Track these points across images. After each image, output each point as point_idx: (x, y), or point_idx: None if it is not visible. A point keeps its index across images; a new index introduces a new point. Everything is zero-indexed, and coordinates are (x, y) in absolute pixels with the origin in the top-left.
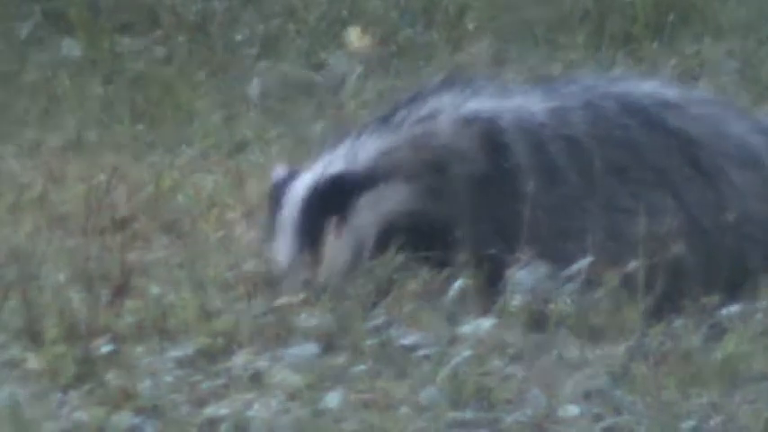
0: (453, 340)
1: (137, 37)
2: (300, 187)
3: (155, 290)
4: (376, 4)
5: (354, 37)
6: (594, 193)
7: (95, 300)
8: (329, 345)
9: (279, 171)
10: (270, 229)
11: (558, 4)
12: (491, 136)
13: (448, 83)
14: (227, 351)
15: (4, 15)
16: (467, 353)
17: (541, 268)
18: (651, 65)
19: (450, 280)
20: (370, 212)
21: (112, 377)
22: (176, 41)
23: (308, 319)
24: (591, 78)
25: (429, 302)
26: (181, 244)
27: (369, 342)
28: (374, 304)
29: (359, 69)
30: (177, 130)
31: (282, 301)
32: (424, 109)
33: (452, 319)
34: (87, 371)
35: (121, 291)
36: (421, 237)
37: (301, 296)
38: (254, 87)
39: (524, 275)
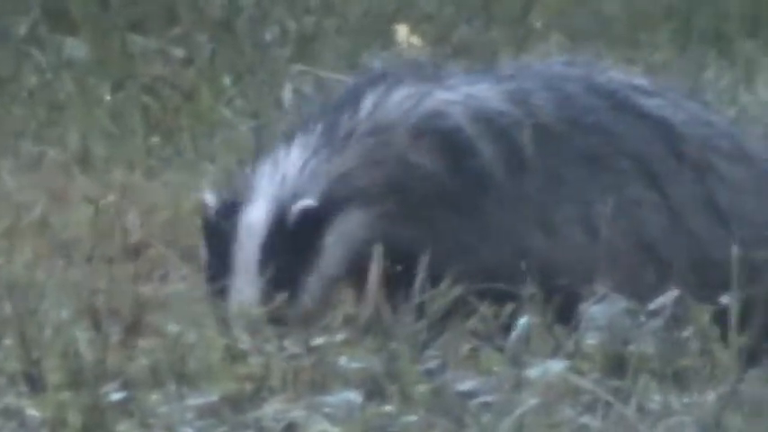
0: (518, 386)
1: (151, 36)
2: (258, 221)
3: (172, 328)
4: None
5: (403, 36)
6: (569, 183)
7: (104, 339)
8: (374, 391)
9: (210, 200)
10: (215, 268)
11: None
12: (449, 140)
13: (375, 78)
14: (257, 398)
15: None
16: (533, 400)
17: (619, 302)
18: (745, 66)
19: (513, 317)
20: (337, 247)
21: (124, 429)
22: (197, 41)
23: (350, 362)
24: (543, 63)
25: (490, 342)
26: (202, 275)
27: (420, 388)
28: (426, 345)
29: None
30: (198, 144)
31: (320, 340)
32: (367, 115)
33: (517, 361)
34: (96, 421)
35: (134, 329)
36: (392, 263)
37: (342, 336)
38: (286, 93)
39: (599, 311)
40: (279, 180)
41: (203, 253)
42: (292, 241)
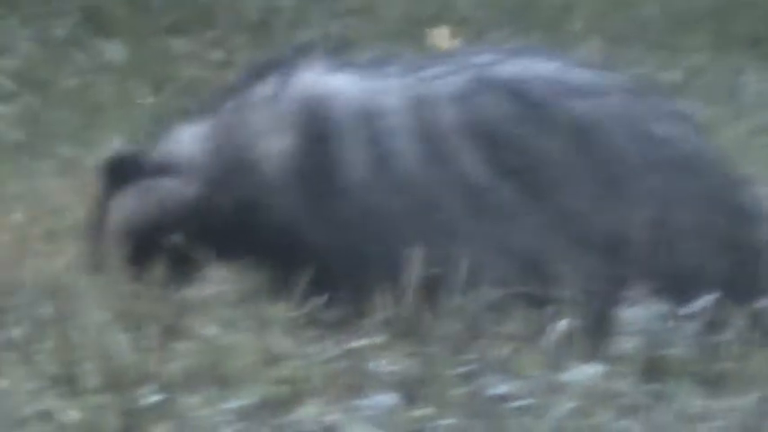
0: (555, 390)
1: (190, 38)
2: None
3: (210, 330)
4: (466, 1)
5: (441, 39)
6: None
7: (142, 342)
8: (412, 395)
9: (114, 151)
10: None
11: (678, 0)
12: (317, 134)
13: (281, 61)
14: (295, 401)
15: (39, 14)
16: (571, 404)
17: (657, 306)
18: None
19: (552, 320)
20: (141, 202)
21: (162, 431)
22: (235, 43)
23: (387, 365)
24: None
25: (527, 346)
26: (241, 277)
27: (457, 392)
28: (464, 348)
29: None
30: None
31: (359, 343)
32: (250, 94)
33: (554, 365)
34: (133, 424)
35: (172, 332)
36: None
37: (379, 338)
38: None
39: (637, 314)
40: (159, 149)
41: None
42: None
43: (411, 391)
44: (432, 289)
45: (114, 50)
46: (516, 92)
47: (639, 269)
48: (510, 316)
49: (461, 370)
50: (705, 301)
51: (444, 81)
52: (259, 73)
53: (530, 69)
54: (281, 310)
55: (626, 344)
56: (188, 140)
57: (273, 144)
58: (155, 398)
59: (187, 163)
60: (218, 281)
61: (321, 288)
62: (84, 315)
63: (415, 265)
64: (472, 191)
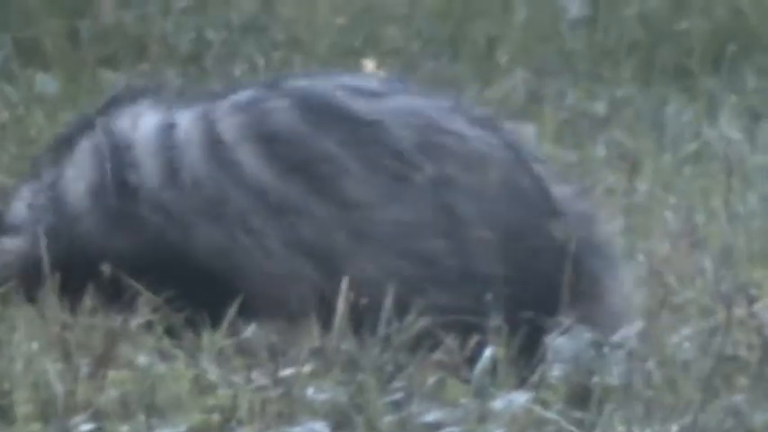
0: (483, 417)
1: (122, 71)
2: None
3: (141, 359)
4: (394, 33)
5: (370, 70)
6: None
7: (74, 371)
8: (341, 422)
9: None
10: None
11: (602, 33)
12: (116, 162)
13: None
14: (225, 429)
15: None
16: (500, 431)
17: (585, 334)
18: (708, 102)
19: (479, 348)
20: None
21: None
22: (167, 76)
23: (317, 393)
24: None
25: (455, 374)
26: (170, 306)
27: (387, 419)
28: (392, 376)
29: None
30: None
31: (288, 372)
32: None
33: (482, 392)
34: None
35: (104, 361)
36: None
37: (309, 367)
38: None
39: (564, 343)
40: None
41: None
42: None
43: (341, 418)
44: (359, 316)
45: (46, 83)
46: (297, 95)
47: (428, 261)
48: (437, 344)
49: (391, 398)
50: (629, 329)
51: (237, 95)
52: (80, 125)
53: (321, 79)
54: (210, 339)
55: (554, 371)
56: (23, 197)
57: (80, 184)
58: (86, 427)
59: (21, 221)
60: (147, 310)
61: (250, 316)
62: (17, 344)
63: (344, 293)
64: (257, 190)
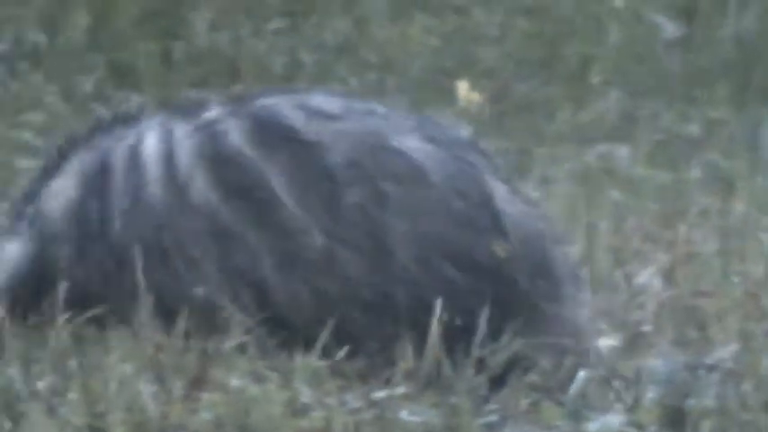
0: None
1: (215, 92)
2: None
3: (235, 382)
4: (488, 54)
5: (463, 92)
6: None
7: (168, 393)
8: None
9: None
10: None
11: (697, 54)
12: (92, 177)
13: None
14: None
15: (64, 68)
16: None
17: (679, 357)
18: None
19: (572, 370)
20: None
21: None
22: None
23: (410, 415)
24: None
25: (549, 396)
26: (263, 328)
27: None
28: (486, 398)
29: (468, 129)
30: None
31: (381, 394)
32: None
33: (576, 415)
34: None
35: (198, 383)
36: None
37: (403, 389)
38: None
39: (658, 365)
40: None
41: None
42: None
43: None
44: (452, 339)
45: (140, 104)
46: (251, 116)
47: (352, 283)
48: (531, 366)
49: (485, 420)
50: (723, 351)
51: (204, 116)
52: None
53: (284, 99)
54: (304, 361)
55: (648, 394)
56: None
57: (60, 200)
58: None
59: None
60: (240, 332)
61: (344, 339)
62: (111, 366)
63: (437, 315)
64: (199, 213)
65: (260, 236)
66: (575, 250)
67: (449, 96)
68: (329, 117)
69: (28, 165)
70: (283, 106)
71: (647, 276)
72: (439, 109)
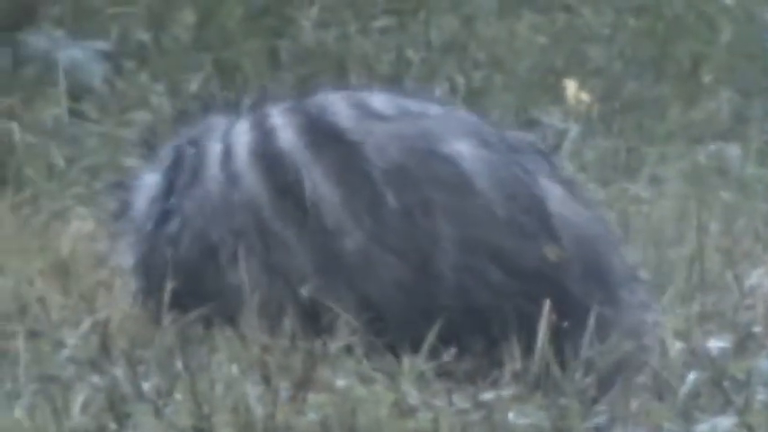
0: None
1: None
2: None
3: (341, 383)
4: (597, 53)
5: (572, 91)
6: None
7: (274, 394)
8: None
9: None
10: None
11: None
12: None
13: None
14: None
15: (170, 67)
16: None
17: None
18: None
19: (680, 371)
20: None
21: None
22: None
23: (518, 417)
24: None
25: (660, 397)
26: (369, 329)
27: None
28: (595, 399)
29: (577, 128)
30: None
31: (489, 395)
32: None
33: (687, 416)
34: None
35: (304, 384)
36: None
37: (511, 391)
38: None
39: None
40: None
41: None
42: None
43: None
44: (560, 340)
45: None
46: (304, 114)
47: (396, 288)
48: (639, 368)
49: (594, 422)
50: None
51: (263, 111)
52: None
53: (345, 97)
54: (411, 362)
55: (759, 395)
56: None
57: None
58: None
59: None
60: (346, 333)
61: (451, 340)
62: (218, 367)
63: (546, 315)
64: (250, 209)
65: (301, 235)
66: (685, 251)
67: (557, 95)
68: (381, 118)
69: (133, 163)
70: (338, 105)
71: (758, 277)
72: (547, 108)
